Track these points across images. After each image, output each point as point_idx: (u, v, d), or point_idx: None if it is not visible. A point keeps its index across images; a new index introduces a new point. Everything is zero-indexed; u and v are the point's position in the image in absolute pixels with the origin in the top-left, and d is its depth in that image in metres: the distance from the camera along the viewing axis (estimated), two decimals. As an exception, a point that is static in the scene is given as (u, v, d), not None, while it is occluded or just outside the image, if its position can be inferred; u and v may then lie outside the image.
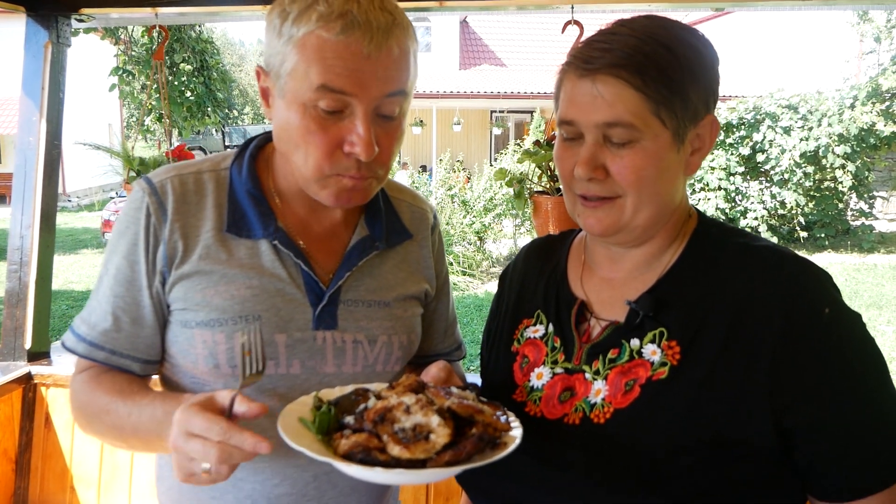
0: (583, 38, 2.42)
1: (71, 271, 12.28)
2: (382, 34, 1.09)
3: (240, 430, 0.93)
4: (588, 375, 1.12)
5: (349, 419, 1.01)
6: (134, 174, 2.78)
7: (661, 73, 1.03)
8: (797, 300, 1.01)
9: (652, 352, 1.07)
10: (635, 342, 1.10)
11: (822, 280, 1.05)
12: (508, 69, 24.59)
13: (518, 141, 16.62)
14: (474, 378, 1.53)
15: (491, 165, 15.70)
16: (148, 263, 1.22)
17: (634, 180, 1.06)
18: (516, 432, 1.01)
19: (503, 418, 1.02)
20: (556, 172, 1.18)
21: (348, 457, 0.94)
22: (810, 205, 13.76)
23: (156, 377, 1.34)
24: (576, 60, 1.07)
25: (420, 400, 0.99)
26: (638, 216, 1.09)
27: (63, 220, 16.95)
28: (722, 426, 1.00)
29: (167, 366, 1.31)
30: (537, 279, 1.31)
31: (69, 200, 21.45)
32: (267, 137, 1.33)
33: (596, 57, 1.05)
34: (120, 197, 14.49)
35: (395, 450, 0.92)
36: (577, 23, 2.50)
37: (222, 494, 1.26)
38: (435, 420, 0.95)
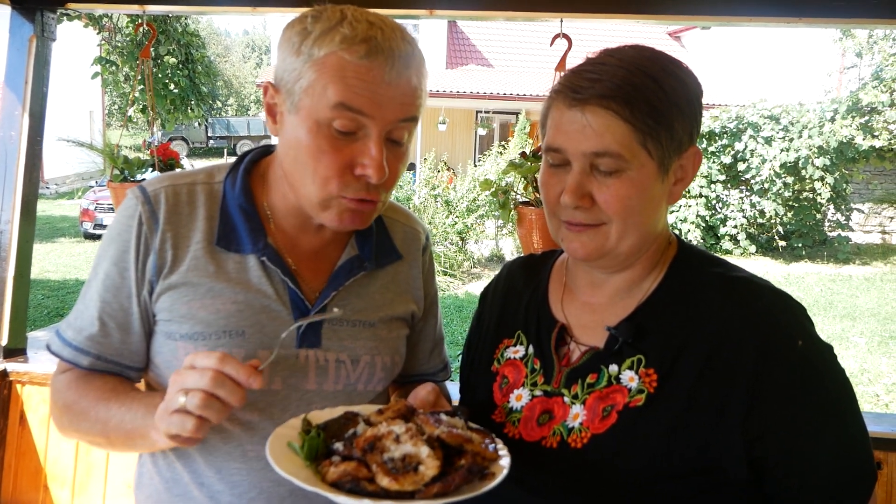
0: (570, 52, 2.45)
1: (48, 260, 12.12)
2: (403, 63, 1.13)
3: (236, 362, 1.00)
4: (567, 399, 1.14)
5: (338, 445, 1.01)
6: (118, 172, 2.75)
7: (648, 104, 1.04)
8: (772, 332, 1.04)
9: (630, 378, 1.09)
10: (613, 368, 1.11)
11: (797, 312, 1.07)
12: (495, 70, 24.59)
13: (503, 142, 16.65)
14: (454, 386, 1.54)
15: (475, 166, 15.71)
16: (137, 271, 1.23)
17: (620, 209, 1.08)
18: (504, 461, 1.01)
19: (491, 447, 1.03)
20: (541, 196, 1.19)
21: (337, 485, 0.95)
22: (789, 214, 13.93)
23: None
24: (565, 89, 1.09)
25: (410, 429, 0.99)
26: (622, 243, 1.11)
27: (40, 208, 16.65)
28: (696, 455, 1.02)
29: (151, 374, 1.31)
30: (519, 299, 1.32)
31: (47, 188, 21.15)
32: (262, 152, 1.34)
33: (585, 87, 1.06)
34: (99, 186, 14.31)
35: (385, 481, 0.93)
36: (565, 36, 2.51)
37: (206, 501, 1.25)
38: (424, 451, 0.95)
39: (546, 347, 1.21)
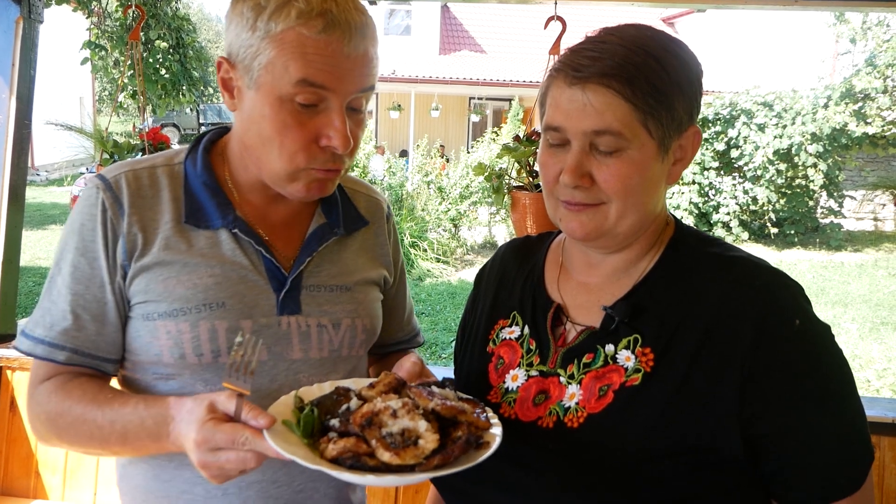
0: (564, 35, 2.43)
1: (39, 247, 12.05)
2: (360, 34, 1.14)
3: (261, 437, 0.99)
4: (563, 379, 1.13)
5: (334, 421, 1.02)
6: (108, 156, 2.72)
7: (649, 83, 1.03)
8: (768, 311, 1.04)
9: (626, 357, 1.09)
10: (610, 347, 1.11)
11: (794, 292, 1.07)
12: (488, 56, 24.50)
13: (496, 129, 16.61)
14: (448, 371, 1.53)
15: (468, 152, 15.68)
16: (108, 259, 1.21)
17: (620, 188, 1.07)
18: (496, 430, 1.04)
19: (483, 416, 1.05)
20: (539, 176, 1.18)
21: (337, 461, 0.96)
22: (781, 202, 13.95)
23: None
24: (565, 68, 1.08)
25: (406, 404, 1.01)
26: (621, 223, 1.10)
27: (31, 195, 16.60)
28: (693, 434, 1.02)
29: (127, 364, 1.29)
30: (514, 280, 1.32)
31: (37, 175, 20.99)
32: (220, 132, 1.35)
33: (586, 65, 1.05)
34: (90, 172, 14.15)
35: (386, 456, 0.94)
36: (559, 19, 2.50)
37: (192, 487, 1.26)
38: (422, 425, 0.97)
39: (542, 328, 1.20)
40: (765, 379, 1.01)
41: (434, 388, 1.07)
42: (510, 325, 1.26)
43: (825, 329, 1.06)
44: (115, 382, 1.32)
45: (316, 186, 1.22)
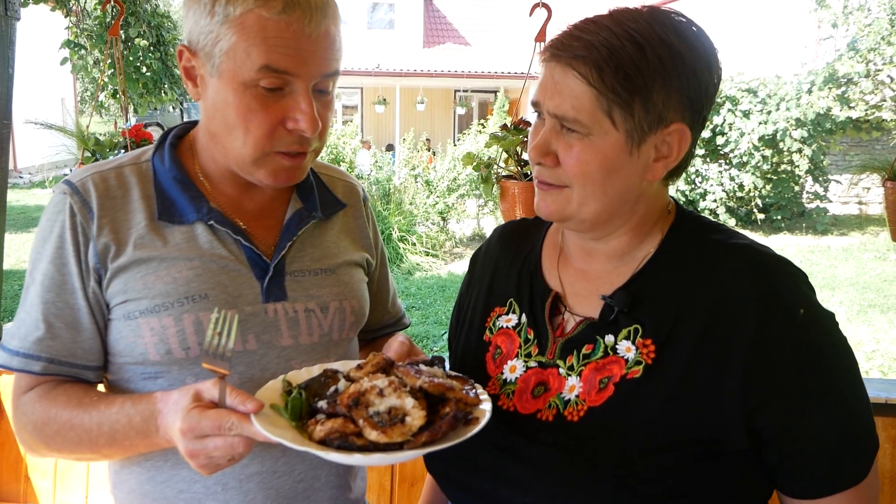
0: (550, 22, 2.41)
1: (23, 250, 11.93)
2: (321, 14, 1.11)
3: (249, 421, 0.97)
4: (562, 371, 1.11)
5: (322, 404, 1.02)
6: (89, 154, 2.68)
7: (621, 71, 0.99)
8: (772, 301, 1.01)
9: (626, 348, 1.07)
10: (609, 338, 1.09)
11: (798, 280, 1.04)
12: (472, 48, 24.45)
13: (482, 121, 16.58)
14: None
15: (454, 145, 15.65)
16: (80, 264, 1.18)
17: (578, 173, 1.05)
18: (486, 405, 1.03)
19: (472, 392, 1.04)
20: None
21: (325, 443, 0.95)
22: (767, 187, 14.01)
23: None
24: (551, 45, 1.06)
25: (393, 382, 1.00)
26: (583, 210, 1.08)
27: (15, 198, 16.44)
28: (695, 425, 1.00)
29: (112, 368, 1.25)
30: (510, 266, 1.29)
31: (21, 177, 20.80)
32: (186, 126, 1.33)
33: (566, 45, 1.03)
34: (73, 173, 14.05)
35: (373, 434, 0.94)
36: (545, 5, 2.47)
37: (190, 486, 1.23)
38: (409, 402, 0.97)
39: (540, 317, 1.18)
40: (768, 370, 0.99)
41: (422, 367, 1.06)
42: (507, 314, 1.23)
43: (830, 317, 1.04)
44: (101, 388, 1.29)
45: (284, 173, 1.20)
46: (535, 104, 1.09)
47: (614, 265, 1.15)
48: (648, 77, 1.00)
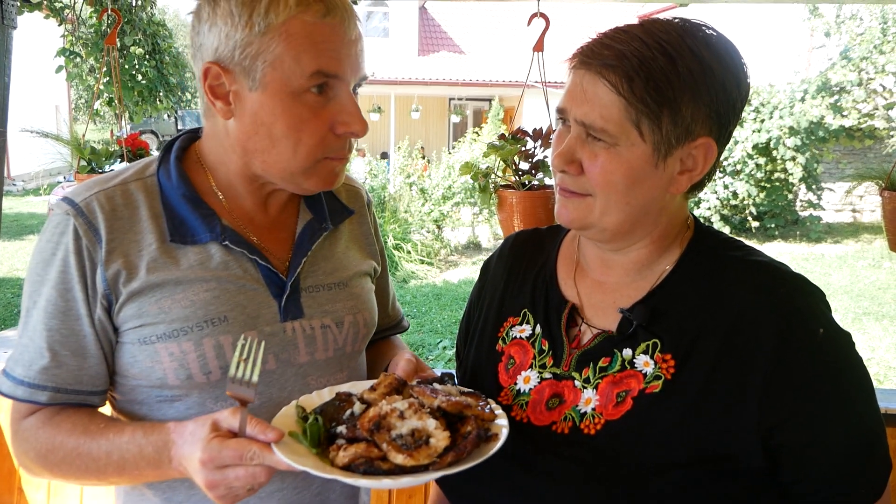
0: (548, 32, 2.41)
1: (17, 258, 11.87)
2: (352, 16, 1.13)
3: (270, 450, 0.96)
4: (578, 383, 1.10)
5: (341, 428, 1.01)
6: (85, 163, 2.67)
7: (652, 82, 0.98)
8: (793, 319, 1.01)
9: (644, 363, 1.06)
10: (627, 352, 1.08)
11: (817, 299, 1.04)
12: (467, 56, 24.50)
13: (476, 129, 16.60)
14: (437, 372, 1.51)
15: (449, 153, 15.66)
16: (86, 290, 1.13)
17: (602, 182, 1.04)
18: (502, 420, 1.03)
19: (487, 408, 1.04)
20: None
21: (349, 468, 0.95)
22: (761, 195, 14.05)
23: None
24: (580, 52, 1.05)
25: (413, 404, 1.00)
26: (605, 219, 1.07)
27: (8, 205, 16.38)
28: (711, 442, 1.00)
29: (123, 389, 1.22)
30: (524, 275, 1.27)
31: (14, 185, 20.71)
32: (190, 137, 1.28)
33: (595, 52, 1.02)
34: (67, 181, 14.05)
35: (399, 458, 0.93)
36: (542, 15, 2.47)
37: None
38: (431, 423, 0.96)
39: (556, 328, 1.17)
40: (787, 389, 0.99)
41: (436, 385, 1.06)
42: (521, 324, 1.22)
43: (847, 337, 1.04)
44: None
45: (333, 178, 1.20)
46: (561, 111, 1.08)
47: (632, 278, 1.14)
48: (678, 90, 0.99)
